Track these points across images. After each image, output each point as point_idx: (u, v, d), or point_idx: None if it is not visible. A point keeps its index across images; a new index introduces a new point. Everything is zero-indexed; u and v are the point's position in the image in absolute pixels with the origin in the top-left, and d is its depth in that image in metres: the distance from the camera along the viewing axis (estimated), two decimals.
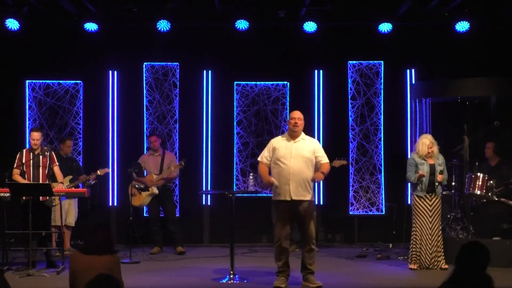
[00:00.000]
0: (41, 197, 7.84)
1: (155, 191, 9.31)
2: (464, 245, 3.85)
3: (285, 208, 6.81)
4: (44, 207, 7.93)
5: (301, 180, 6.76)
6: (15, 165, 8.02)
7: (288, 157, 6.80)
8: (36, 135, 8.02)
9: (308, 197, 6.83)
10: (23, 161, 7.96)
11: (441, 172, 7.85)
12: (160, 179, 9.32)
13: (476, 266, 3.75)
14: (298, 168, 6.76)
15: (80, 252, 4.85)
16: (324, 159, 6.94)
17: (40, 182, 7.88)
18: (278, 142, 6.96)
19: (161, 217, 9.55)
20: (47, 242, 8.01)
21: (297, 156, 6.80)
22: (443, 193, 8.71)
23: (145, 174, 9.44)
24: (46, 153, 8.01)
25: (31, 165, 7.96)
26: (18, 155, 8.09)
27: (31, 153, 8.00)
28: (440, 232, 7.91)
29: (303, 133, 7.00)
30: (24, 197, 7.77)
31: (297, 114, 6.98)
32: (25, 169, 7.98)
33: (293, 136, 6.93)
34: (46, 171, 8.01)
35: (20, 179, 7.94)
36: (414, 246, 7.91)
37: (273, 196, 6.96)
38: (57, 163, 8.18)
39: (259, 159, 7.09)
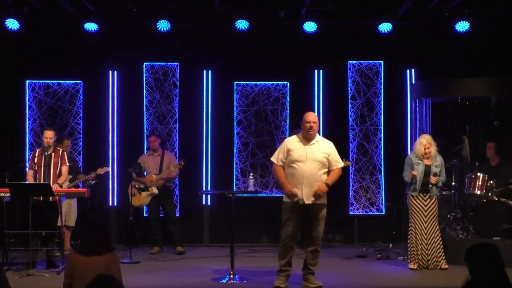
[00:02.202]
0: (51, 198, 7.83)
1: (155, 191, 9.31)
2: (473, 248, 3.70)
3: (297, 210, 6.78)
4: (53, 208, 7.92)
5: (315, 184, 6.73)
6: (28, 166, 8.04)
7: (303, 160, 6.75)
8: (50, 133, 8.04)
9: (322, 201, 6.82)
10: (35, 161, 7.97)
11: (436, 174, 7.84)
12: (160, 179, 9.31)
13: (494, 269, 3.64)
14: (312, 172, 6.73)
15: (77, 252, 4.82)
16: (337, 164, 6.88)
17: (51, 182, 7.88)
18: (293, 144, 6.88)
19: (161, 217, 9.55)
20: (49, 242, 8.00)
21: (311, 159, 6.76)
22: (443, 193, 8.73)
23: (144, 174, 9.44)
24: (54, 153, 8.01)
25: (43, 164, 7.97)
26: (31, 155, 8.12)
27: (44, 153, 8.01)
28: (438, 233, 7.90)
29: (318, 135, 6.96)
30: (35, 198, 7.76)
31: (312, 117, 6.85)
32: (36, 169, 7.99)
33: (308, 138, 6.86)
34: (58, 171, 8.02)
35: (31, 181, 7.95)
36: (411, 245, 7.92)
37: (284, 197, 6.90)
38: (67, 164, 8.17)
39: (274, 160, 6.95)
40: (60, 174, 8.07)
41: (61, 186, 8.04)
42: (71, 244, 9.12)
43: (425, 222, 7.85)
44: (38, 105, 10.20)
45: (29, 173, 8.04)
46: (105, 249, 4.74)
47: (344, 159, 8.93)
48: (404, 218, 8.58)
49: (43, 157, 7.99)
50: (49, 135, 8.02)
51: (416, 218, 7.89)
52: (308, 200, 6.73)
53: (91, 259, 4.65)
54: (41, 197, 7.79)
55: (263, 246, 9.89)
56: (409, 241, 7.96)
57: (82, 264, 4.64)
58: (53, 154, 8.02)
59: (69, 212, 9.07)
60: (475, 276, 3.61)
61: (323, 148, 6.87)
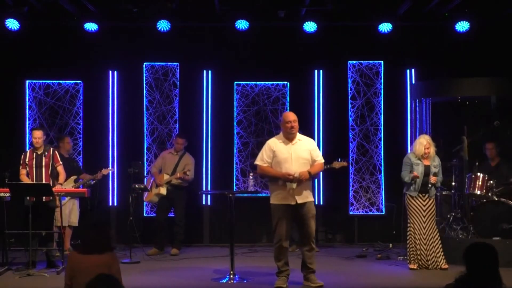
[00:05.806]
0: (44, 198, 7.82)
1: (163, 192, 9.25)
2: (472, 247, 3.75)
3: (289, 211, 6.79)
4: (48, 207, 7.91)
5: (304, 183, 6.76)
6: (21, 166, 8.02)
7: (289, 161, 6.77)
8: (38, 133, 8.02)
9: (310, 198, 6.86)
10: (27, 161, 7.95)
11: (435, 174, 7.84)
12: (168, 181, 9.27)
13: (489, 267, 3.67)
14: (299, 170, 6.73)
15: (77, 252, 4.80)
16: (319, 159, 6.91)
17: (43, 182, 7.86)
18: (276, 145, 6.89)
19: (166, 218, 9.49)
20: (48, 242, 8.00)
21: (297, 158, 6.78)
22: (444, 193, 8.74)
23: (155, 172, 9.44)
24: (46, 152, 8.00)
25: (34, 165, 7.96)
26: (22, 155, 8.09)
27: (34, 153, 8.00)
28: (437, 233, 7.89)
29: (298, 133, 6.98)
30: (28, 198, 7.75)
31: (292, 117, 6.87)
32: (28, 169, 7.98)
33: (289, 138, 6.87)
34: (50, 171, 8.00)
35: (26, 180, 7.93)
36: (410, 245, 7.91)
37: (273, 200, 6.88)
38: (61, 163, 8.16)
39: (258, 162, 6.94)
40: (57, 174, 8.06)
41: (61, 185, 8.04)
42: (71, 244, 9.13)
43: (424, 222, 7.85)
44: (38, 105, 10.20)
45: (23, 172, 8.00)
46: (106, 248, 4.73)
47: (339, 159, 8.95)
48: (402, 218, 8.57)
49: (34, 158, 7.97)
50: (37, 135, 7.99)
51: (415, 218, 7.88)
52: (301, 200, 6.74)
53: (91, 258, 4.62)
54: (34, 198, 7.75)
55: (263, 246, 9.89)
56: (408, 241, 7.96)
57: (83, 263, 4.61)
58: (44, 154, 8.01)
59: (73, 211, 9.08)
60: (470, 275, 3.63)
61: (306, 146, 6.89)
